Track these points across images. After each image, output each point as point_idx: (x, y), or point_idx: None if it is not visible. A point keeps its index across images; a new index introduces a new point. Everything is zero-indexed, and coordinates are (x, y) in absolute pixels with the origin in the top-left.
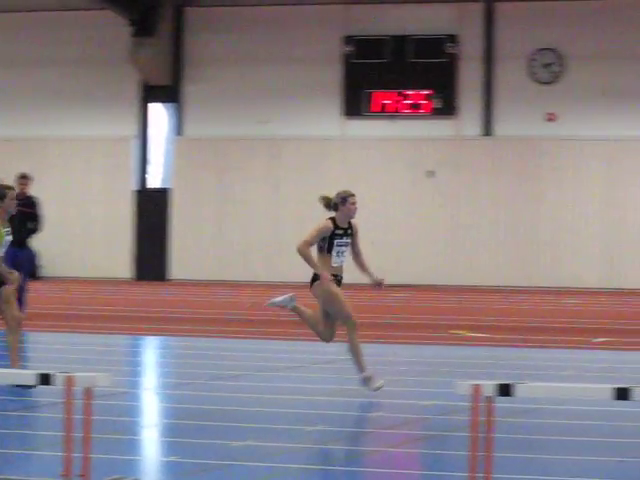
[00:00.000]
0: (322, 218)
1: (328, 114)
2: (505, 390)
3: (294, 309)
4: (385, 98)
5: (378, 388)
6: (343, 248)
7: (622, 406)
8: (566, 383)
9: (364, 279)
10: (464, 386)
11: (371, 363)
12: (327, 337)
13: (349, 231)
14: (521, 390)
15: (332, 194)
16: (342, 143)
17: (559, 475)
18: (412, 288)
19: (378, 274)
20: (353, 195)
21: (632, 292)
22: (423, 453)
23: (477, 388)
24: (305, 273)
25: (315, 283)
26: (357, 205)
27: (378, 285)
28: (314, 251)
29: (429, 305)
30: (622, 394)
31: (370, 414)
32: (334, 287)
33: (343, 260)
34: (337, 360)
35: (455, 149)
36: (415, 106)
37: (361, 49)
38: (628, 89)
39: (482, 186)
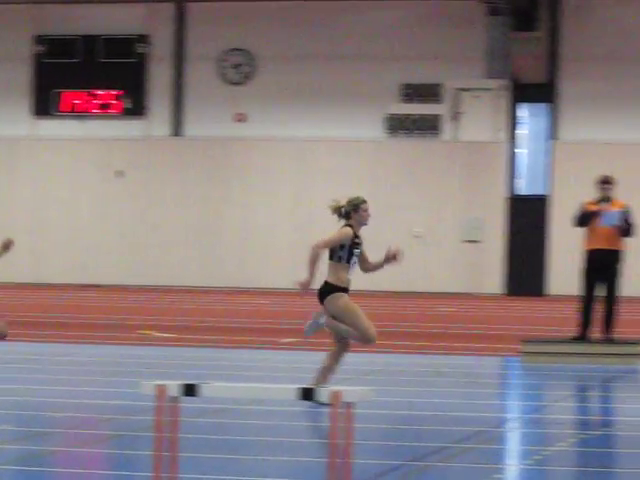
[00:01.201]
0: (11, 220)
1: (17, 114)
2: (190, 390)
3: (329, 325)
4: (75, 98)
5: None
6: (356, 259)
7: (307, 406)
8: (253, 383)
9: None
10: (149, 386)
11: (61, 363)
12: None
13: (360, 240)
14: (206, 390)
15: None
16: (32, 143)
17: (245, 475)
18: (101, 288)
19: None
20: (365, 202)
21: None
22: (109, 453)
23: (161, 388)
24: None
25: (331, 296)
26: (369, 212)
27: (393, 256)
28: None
29: (117, 305)
30: (307, 394)
31: (56, 414)
32: (347, 301)
33: (353, 272)
34: (29, 360)
35: (145, 149)
36: (105, 106)
37: (52, 49)
38: (318, 89)
39: (172, 186)
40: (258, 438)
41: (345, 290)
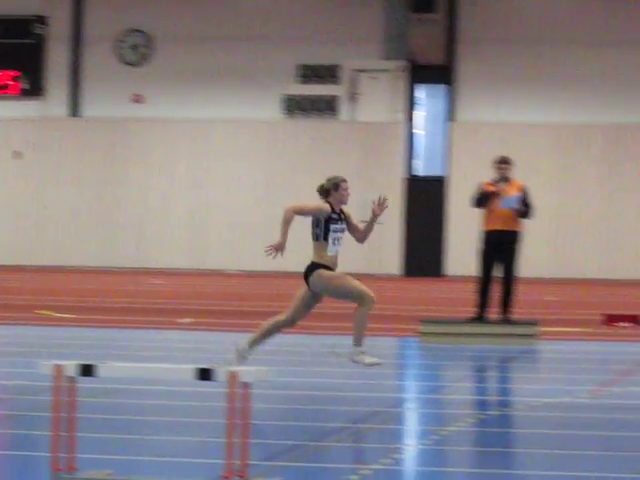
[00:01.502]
0: None
1: None
2: (87, 370)
3: (254, 343)
4: None
5: (371, 364)
6: (339, 234)
7: (206, 386)
8: (151, 363)
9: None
10: (46, 366)
11: None
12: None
13: (342, 216)
14: (103, 370)
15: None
16: None
17: (142, 455)
18: None
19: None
20: (345, 180)
21: (215, 272)
22: (6, 433)
23: (59, 368)
24: None
25: (314, 274)
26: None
27: (379, 207)
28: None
29: (14, 285)
30: (204, 374)
31: None
32: (331, 272)
33: (339, 249)
34: None
35: (42, 130)
36: (2, 87)
37: None
38: (215, 70)
39: (69, 167)
40: (156, 418)
41: (329, 268)
